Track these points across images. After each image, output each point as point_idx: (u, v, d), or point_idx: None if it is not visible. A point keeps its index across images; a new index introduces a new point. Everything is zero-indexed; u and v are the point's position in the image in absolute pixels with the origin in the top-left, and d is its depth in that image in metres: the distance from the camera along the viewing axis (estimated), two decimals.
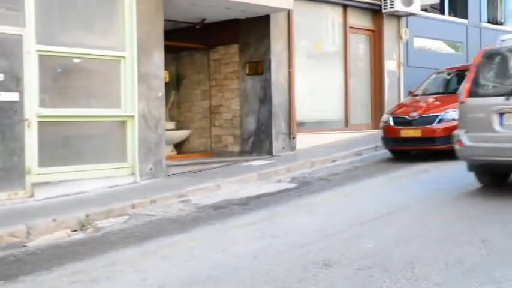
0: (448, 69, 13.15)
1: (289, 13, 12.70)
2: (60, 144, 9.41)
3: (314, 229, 6.52)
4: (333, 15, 14.20)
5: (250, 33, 12.78)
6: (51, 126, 9.12)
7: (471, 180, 8.55)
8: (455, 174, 9.56)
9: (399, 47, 15.57)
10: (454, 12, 18.37)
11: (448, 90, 12.44)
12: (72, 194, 8.94)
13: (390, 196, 8.21)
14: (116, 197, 8.60)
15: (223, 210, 8.07)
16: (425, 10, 16.97)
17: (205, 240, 6.55)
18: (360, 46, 15.06)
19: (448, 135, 10.29)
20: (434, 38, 17.35)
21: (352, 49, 14.61)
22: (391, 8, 14.65)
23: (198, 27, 13.01)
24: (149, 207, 8.32)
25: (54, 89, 9.43)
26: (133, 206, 8.24)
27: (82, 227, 7.39)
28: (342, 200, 8.24)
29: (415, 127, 10.85)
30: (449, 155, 10.55)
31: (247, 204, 8.38)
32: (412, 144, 11.03)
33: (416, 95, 12.40)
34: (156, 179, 10.05)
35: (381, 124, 11.61)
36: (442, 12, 18.11)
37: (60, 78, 9.66)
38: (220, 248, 6.07)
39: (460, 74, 12.62)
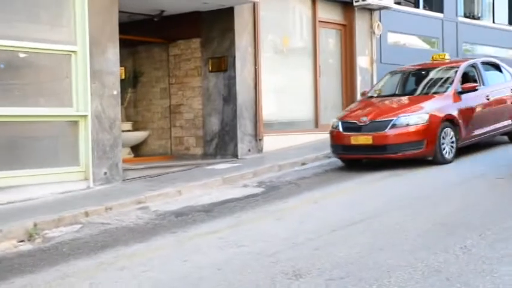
0: (405, 67, 12.97)
1: (254, 5, 12.74)
2: (5, 147, 9.25)
3: (283, 237, 6.55)
4: (301, 8, 14.30)
5: (213, 27, 12.79)
6: None
7: (448, 185, 8.70)
8: (429, 178, 9.72)
9: (372, 43, 15.77)
10: (429, 6, 18.67)
11: (405, 91, 12.20)
12: (19, 201, 8.80)
13: (362, 202, 8.28)
14: (68, 204, 8.50)
15: (185, 217, 8.04)
16: (399, 3, 17.21)
17: (165, 250, 6.53)
18: (330, 41, 15.20)
19: (401, 142, 10.29)
20: (408, 33, 17.61)
21: (322, 44, 14.73)
22: (363, 0, 14.82)
23: (156, 19, 12.95)
24: (104, 215, 8.25)
25: None
26: (86, 214, 8.15)
27: (30, 237, 7.28)
28: (312, 206, 8.28)
29: (365, 133, 10.50)
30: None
31: (211, 210, 8.36)
32: (363, 152, 10.73)
33: (370, 97, 12.14)
34: (112, 184, 9.97)
35: (330, 129, 11.30)
36: (417, 6, 18.37)
37: (3, 74, 9.50)
38: (181, 259, 6.06)
39: (418, 73, 12.56)
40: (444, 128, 10.56)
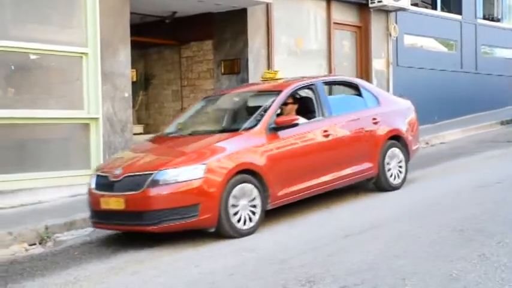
0: (226, 91, 10.41)
1: (268, 7, 12.82)
2: (16, 150, 9.38)
3: (295, 242, 6.59)
4: (315, 9, 14.36)
5: (226, 29, 12.87)
6: (5, 130, 9.11)
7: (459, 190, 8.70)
8: (445, 185, 9.65)
9: (388, 45, 15.79)
10: (447, 7, 18.65)
11: (207, 127, 8.78)
12: (30, 204, 8.90)
13: (374, 209, 8.23)
14: (79, 208, 8.55)
15: None
16: (416, 5, 17.24)
17: (177, 254, 6.59)
18: (345, 43, 15.24)
19: (164, 208, 6.86)
20: (425, 36, 17.61)
21: (336, 46, 14.77)
22: (378, 2, 14.85)
23: (168, 21, 13.06)
24: None
25: (8, 89, 9.40)
26: None
27: (41, 240, 7.40)
28: (324, 212, 8.28)
29: (117, 193, 7.14)
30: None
31: None
32: (114, 220, 7.25)
33: (165, 135, 8.75)
34: None
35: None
36: (434, 8, 18.38)
37: (14, 76, 9.64)
38: (193, 264, 6.12)
39: (236, 100, 9.22)
40: (238, 183, 7.21)
